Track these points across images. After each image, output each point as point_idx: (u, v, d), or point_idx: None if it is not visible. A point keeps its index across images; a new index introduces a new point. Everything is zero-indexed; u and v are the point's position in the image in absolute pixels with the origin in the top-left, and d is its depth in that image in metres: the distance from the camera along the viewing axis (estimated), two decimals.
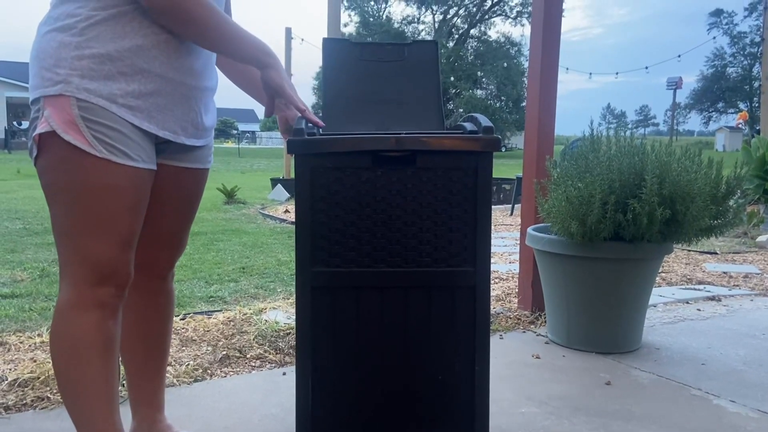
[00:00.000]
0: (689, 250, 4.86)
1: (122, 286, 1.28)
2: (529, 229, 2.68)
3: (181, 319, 2.71)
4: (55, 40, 1.20)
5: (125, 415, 1.48)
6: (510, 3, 39.35)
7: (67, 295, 1.25)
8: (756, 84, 47.75)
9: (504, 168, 14.44)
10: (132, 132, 1.23)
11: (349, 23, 38.25)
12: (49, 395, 1.90)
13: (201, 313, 2.88)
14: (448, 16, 40.34)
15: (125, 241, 1.26)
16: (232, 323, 2.69)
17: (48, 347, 2.17)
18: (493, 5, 39.79)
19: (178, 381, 2.08)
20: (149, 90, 1.24)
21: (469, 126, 1.42)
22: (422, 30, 39.77)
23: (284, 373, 2.19)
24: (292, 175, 1.45)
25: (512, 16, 39.55)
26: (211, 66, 1.38)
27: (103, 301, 1.25)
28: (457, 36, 39.93)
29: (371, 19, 39.11)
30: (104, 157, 1.20)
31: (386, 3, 40.32)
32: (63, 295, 1.26)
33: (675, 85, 32.66)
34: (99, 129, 1.19)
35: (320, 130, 1.44)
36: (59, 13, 1.21)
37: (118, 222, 1.24)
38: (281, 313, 2.85)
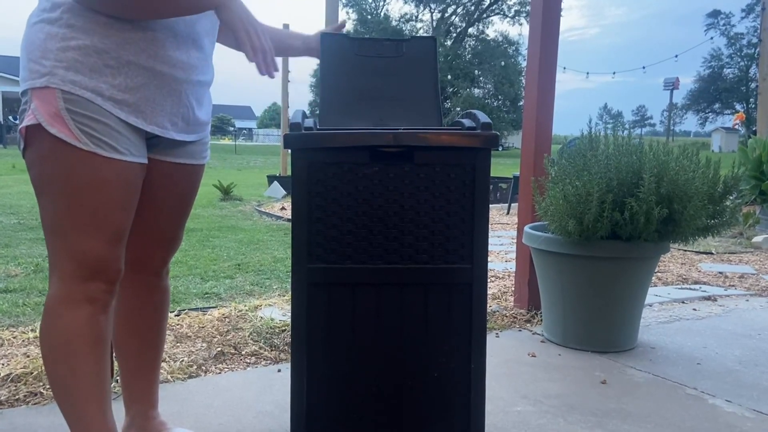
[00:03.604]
0: (685, 250, 4.87)
1: (112, 282, 1.26)
2: (526, 228, 2.67)
3: (175, 315, 2.70)
4: (43, 32, 1.18)
5: (119, 411, 1.47)
6: (508, 2, 39.41)
7: (56, 290, 1.23)
8: (753, 85, 47.90)
9: (501, 167, 14.44)
10: (119, 125, 1.21)
11: (347, 21, 38.16)
12: (41, 390, 1.89)
13: (196, 309, 2.87)
14: (446, 15, 40.34)
15: (114, 236, 1.24)
16: (227, 320, 2.67)
17: None
18: (491, 4, 39.80)
19: (172, 377, 2.07)
20: (136, 83, 1.22)
21: (467, 122, 1.41)
22: (420, 28, 39.77)
23: (279, 370, 2.18)
24: (289, 173, 1.44)
25: (510, 15, 39.60)
26: (205, 59, 1.36)
27: (93, 297, 1.23)
28: (455, 35, 39.93)
29: (369, 17, 39.07)
30: (91, 150, 1.18)
31: (384, 1, 40.29)
32: (52, 291, 1.24)
33: (672, 85, 32.74)
34: (85, 122, 1.17)
35: (318, 125, 1.42)
36: (47, 4, 1.19)
37: (106, 217, 1.22)
38: (276, 309, 2.84)
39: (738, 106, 54.73)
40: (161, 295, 1.53)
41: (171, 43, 1.25)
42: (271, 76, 1.29)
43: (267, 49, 1.25)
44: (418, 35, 1.87)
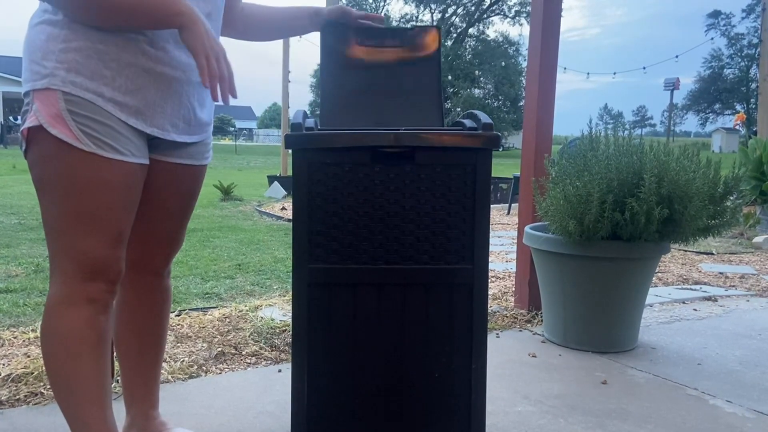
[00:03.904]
0: (686, 251, 4.87)
1: (113, 282, 1.26)
2: (527, 228, 2.67)
3: (176, 316, 2.70)
4: (44, 33, 1.18)
5: (119, 411, 1.47)
6: (508, 2, 39.45)
7: (57, 290, 1.23)
8: (753, 86, 47.90)
9: (501, 167, 14.42)
10: (120, 126, 1.21)
11: None
12: (42, 391, 1.89)
13: (196, 309, 2.87)
14: (447, 15, 40.34)
15: (115, 237, 1.24)
16: (227, 320, 2.67)
17: None
18: (491, 4, 39.82)
19: (173, 377, 2.07)
20: (137, 85, 1.22)
21: (468, 123, 1.41)
22: None
23: (280, 371, 2.18)
24: (290, 173, 1.44)
25: (511, 15, 39.64)
26: None
27: (94, 297, 1.23)
28: (455, 35, 39.92)
29: None
30: (92, 151, 1.18)
31: (385, 1, 40.30)
32: (53, 291, 1.24)
33: (672, 86, 32.72)
34: (86, 123, 1.17)
35: (318, 124, 1.42)
36: (49, 6, 1.19)
37: (107, 217, 1.22)
38: (277, 310, 2.84)
39: (738, 107, 54.76)
40: (162, 295, 1.52)
41: (171, 44, 1.25)
42: (226, 103, 1.25)
43: (225, 76, 1.21)
44: (422, 24, 1.89)
